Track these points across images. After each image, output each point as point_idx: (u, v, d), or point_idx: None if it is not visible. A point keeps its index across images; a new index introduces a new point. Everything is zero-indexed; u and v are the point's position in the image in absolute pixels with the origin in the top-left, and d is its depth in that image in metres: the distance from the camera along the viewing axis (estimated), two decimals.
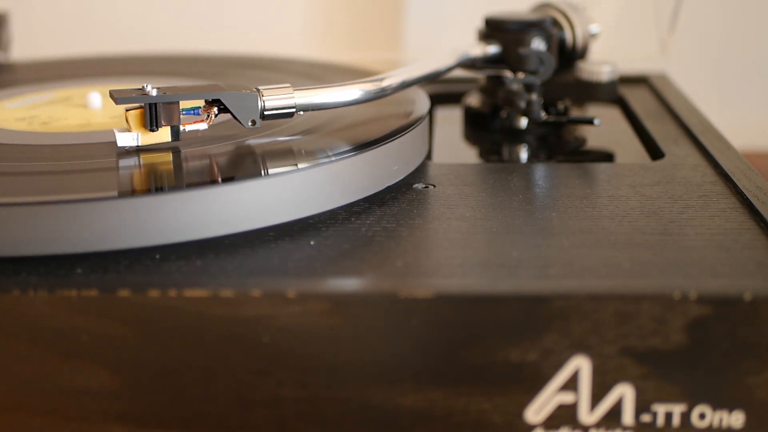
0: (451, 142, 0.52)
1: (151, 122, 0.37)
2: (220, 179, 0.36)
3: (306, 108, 0.39)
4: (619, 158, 0.48)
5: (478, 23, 0.51)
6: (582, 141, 0.51)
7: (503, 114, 0.50)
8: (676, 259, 0.33)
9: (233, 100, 0.38)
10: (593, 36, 0.51)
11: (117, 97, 0.37)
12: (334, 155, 0.38)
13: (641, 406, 0.32)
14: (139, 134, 0.38)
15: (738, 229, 0.36)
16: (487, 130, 0.51)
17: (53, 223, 0.33)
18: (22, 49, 0.67)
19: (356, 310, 0.31)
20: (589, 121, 0.47)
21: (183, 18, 0.76)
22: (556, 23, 0.50)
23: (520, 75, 0.48)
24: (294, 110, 0.39)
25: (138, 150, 0.38)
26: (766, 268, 0.33)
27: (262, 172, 0.36)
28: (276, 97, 0.39)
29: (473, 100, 0.53)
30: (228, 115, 0.39)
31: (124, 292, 0.31)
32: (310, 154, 0.38)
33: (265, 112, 0.39)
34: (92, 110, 0.46)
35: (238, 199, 0.35)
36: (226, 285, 0.31)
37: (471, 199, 0.39)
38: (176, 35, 0.75)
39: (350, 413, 0.32)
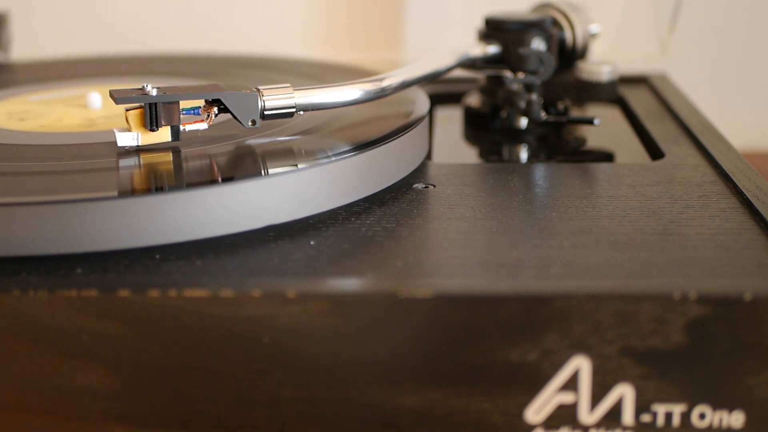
0: (451, 142, 0.52)
1: (151, 122, 0.37)
2: (220, 179, 0.36)
3: (306, 108, 0.39)
4: (619, 158, 0.48)
5: (478, 23, 0.51)
6: (582, 141, 0.51)
7: (503, 114, 0.50)
8: (676, 259, 0.33)
9: (233, 100, 0.38)
10: (593, 36, 0.51)
11: (117, 97, 0.37)
12: (334, 155, 0.38)
13: (641, 406, 0.32)
14: (139, 134, 0.38)
15: (738, 229, 0.36)
16: (487, 130, 0.51)
17: (53, 223, 0.33)
18: (22, 49, 0.67)
19: (356, 310, 0.31)
20: (589, 121, 0.47)
21: (183, 18, 0.76)
22: (556, 23, 0.50)
23: (520, 75, 0.48)
24: (294, 110, 0.39)
25: (138, 150, 0.38)
26: (766, 268, 0.33)
27: (262, 172, 0.36)
28: (276, 97, 0.39)
29: (473, 100, 0.53)
30: (228, 115, 0.39)
31: (124, 292, 0.31)
32: (310, 154, 0.38)
33: (265, 112, 0.39)
34: (92, 110, 0.46)
35: (238, 199, 0.35)
36: (226, 285, 0.31)
37: (471, 199, 0.39)
38: (176, 35, 0.75)
39: (350, 413, 0.32)
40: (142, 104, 0.37)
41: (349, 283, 0.32)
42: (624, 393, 0.32)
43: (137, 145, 0.38)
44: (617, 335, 0.31)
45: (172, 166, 0.37)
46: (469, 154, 0.50)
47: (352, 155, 0.38)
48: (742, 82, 0.75)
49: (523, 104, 0.47)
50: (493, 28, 0.50)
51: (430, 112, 0.49)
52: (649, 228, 0.36)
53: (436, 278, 0.32)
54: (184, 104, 0.38)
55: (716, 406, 0.32)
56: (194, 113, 0.39)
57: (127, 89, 0.38)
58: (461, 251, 0.34)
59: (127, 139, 0.38)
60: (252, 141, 0.40)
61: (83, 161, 0.38)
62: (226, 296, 0.31)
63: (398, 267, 0.33)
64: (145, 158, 0.38)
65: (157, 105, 0.37)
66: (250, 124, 0.39)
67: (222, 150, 0.39)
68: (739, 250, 0.34)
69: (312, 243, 0.35)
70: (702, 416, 0.32)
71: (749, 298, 0.31)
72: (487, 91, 0.51)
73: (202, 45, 0.69)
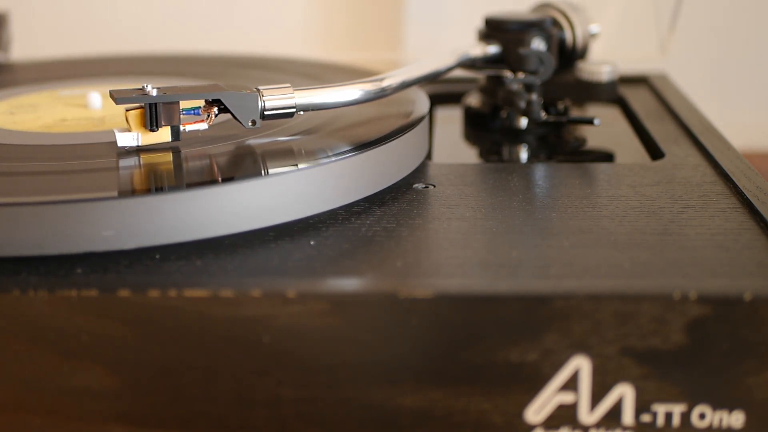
0: (451, 142, 0.52)
1: (152, 122, 0.37)
2: (220, 179, 0.36)
3: (306, 108, 0.39)
4: (619, 158, 0.48)
5: (478, 23, 0.51)
6: (582, 141, 0.51)
7: (503, 114, 0.50)
8: (676, 259, 0.33)
9: (233, 100, 0.38)
10: (593, 36, 0.51)
11: (117, 97, 0.37)
12: (334, 155, 0.38)
13: (641, 406, 0.32)
14: (139, 134, 0.38)
15: (738, 229, 0.36)
16: (487, 130, 0.51)
17: (53, 223, 0.33)
18: (22, 49, 0.67)
19: (356, 310, 0.31)
20: (589, 121, 0.47)
21: (183, 18, 0.76)
22: (556, 23, 0.50)
23: (520, 75, 0.48)
24: (294, 110, 0.39)
25: (138, 150, 0.38)
26: (766, 268, 0.33)
27: (262, 172, 0.36)
28: (276, 97, 0.39)
29: (473, 100, 0.53)
30: (228, 115, 0.39)
31: (124, 292, 0.31)
32: (310, 154, 0.38)
33: (265, 112, 0.39)
34: (92, 110, 0.46)
35: (238, 199, 0.35)
36: (226, 285, 0.31)
37: (471, 199, 0.39)
38: (176, 35, 0.75)
39: (350, 413, 0.32)
40: (142, 104, 0.37)
41: (349, 283, 0.32)
42: (624, 393, 0.32)
43: (137, 145, 0.38)
44: (617, 335, 0.31)
45: (172, 166, 0.37)
46: (469, 154, 0.50)
47: (352, 155, 0.38)
48: (742, 82, 0.75)
49: (523, 104, 0.47)
50: (493, 28, 0.50)
51: (430, 112, 0.49)
52: (649, 228, 0.36)
53: (436, 278, 0.32)
54: (184, 104, 0.38)
55: (716, 406, 0.32)
56: (194, 113, 0.39)
57: (127, 89, 0.38)
58: (461, 251, 0.34)
59: (127, 139, 0.38)
60: (252, 141, 0.40)
61: (83, 161, 0.38)
62: (226, 296, 0.31)
63: (398, 267, 0.33)
64: (145, 158, 0.38)
65: (157, 105, 0.37)
66: (250, 124, 0.39)
67: (222, 150, 0.39)
68: (739, 250, 0.34)
69: (312, 243, 0.35)
70: (702, 416, 0.32)
71: (749, 298, 0.31)
72: (487, 91, 0.51)
73: (202, 45, 0.69)
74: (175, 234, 0.34)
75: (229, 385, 0.32)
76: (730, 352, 0.31)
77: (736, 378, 0.31)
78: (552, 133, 0.51)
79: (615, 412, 0.32)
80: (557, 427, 0.32)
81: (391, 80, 0.42)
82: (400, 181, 0.41)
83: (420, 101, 0.46)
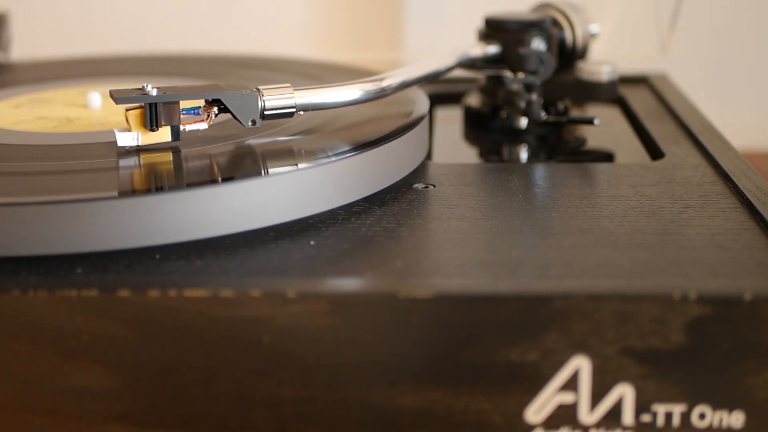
0: (451, 142, 0.52)
1: (152, 122, 0.37)
2: (220, 179, 0.36)
3: (306, 108, 0.39)
4: (619, 158, 0.48)
5: (478, 23, 0.51)
6: (582, 141, 0.51)
7: (503, 114, 0.50)
8: (676, 259, 0.33)
9: (233, 100, 0.38)
10: (593, 36, 0.51)
11: (117, 97, 0.37)
12: (334, 155, 0.38)
13: (641, 406, 0.32)
14: (139, 134, 0.38)
15: (738, 229, 0.36)
16: (487, 130, 0.51)
17: (53, 223, 0.33)
18: (22, 49, 0.67)
19: (356, 310, 0.31)
20: (589, 121, 0.47)
21: (183, 18, 0.76)
22: (556, 23, 0.50)
23: (520, 75, 0.48)
24: (294, 110, 0.39)
25: (138, 150, 0.38)
26: (766, 268, 0.33)
27: (262, 171, 0.36)
28: (276, 97, 0.39)
29: (473, 100, 0.53)
30: (228, 115, 0.39)
31: (124, 292, 0.31)
32: (310, 154, 0.38)
33: (265, 112, 0.39)
34: (92, 110, 0.46)
35: (238, 199, 0.35)
36: (226, 285, 0.31)
37: (471, 199, 0.39)
38: (176, 35, 0.75)
39: (350, 413, 0.32)
40: (142, 104, 0.37)
41: (349, 283, 0.32)
42: (624, 393, 0.32)
43: (137, 145, 0.38)
44: (617, 335, 0.31)
45: (172, 166, 0.37)
46: (469, 154, 0.50)
47: (352, 155, 0.38)
48: (742, 82, 0.75)
49: (523, 104, 0.47)
50: (493, 28, 0.50)
51: (430, 112, 0.49)
52: (649, 228, 0.36)
53: (436, 278, 0.32)
54: (184, 104, 0.38)
55: (716, 406, 0.32)
56: (194, 113, 0.39)
57: (127, 89, 0.38)
58: (461, 251, 0.34)
59: (127, 139, 0.38)
60: (252, 141, 0.40)
61: (83, 161, 0.38)
62: (226, 296, 0.31)
63: (398, 267, 0.33)
64: (145, 158, 0.38)
65: (157, 105, 0.37)
66: (250, 124, 0.39)
67: (222, 150, 0.39)
68: (739, 250, 0.34)
69: (312, 243, 0.35)
70: (702, 416, 0.32)
71: (749, 298, 0.31)
72: (487, 91, 0.51)
73: (202, 45, 0.69)
74: (175, 234, 0.34)
75: (229, 385, 0.32)
76: (730, 352, 0.31)
77: (736, 378, 0.31)
78: (552, 133, 0.51)
79: (615, 412, 0.32)
80: (557, 427, 0.32)
81: (391, 80, 0.42)
82: (400, 181, 0.41)
83: (420, 101, 0.46)
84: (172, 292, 0.31)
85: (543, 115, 0.47)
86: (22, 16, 0.71)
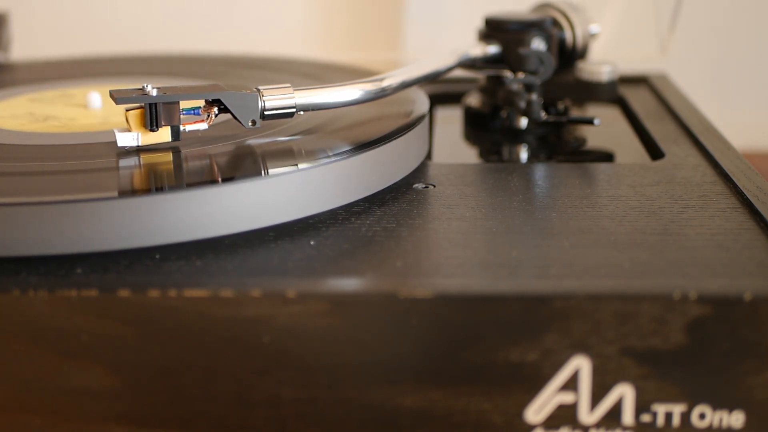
0: (451, 142, 0.52)
1: (152, 122, 0.37)
2: (220, 179, 0.36)
3: (306, 108, 0.39)
4: (619, 158, 0.48)
5: (478, 23, 0.51)
6: (582, 141, 0.51)
7: (503, 114, 0.50)
8: (676, 259, 0.33)
9: (233, 100, 0.38)
10: (593, 36, 0.51)
11: (117, 97, 0.37)
12: (334, 155, 0.38)
13: (641, 406, 0.32)
14: (140, 134, 0.38)
15: (738, 229, 0.36)
16: (487, 130, 0.51)
17: (53, 223, 0.33)
18: (22, 49, 0.67)
19: (356, 310, 0.31)
20: (589, 121, 0.47)
21: (183, 18, 0.76)
22: (556, 23, 0.50)
23: (520, 75, 0.48)
24: (294, 110, 0.39)
25: (138, 150, 0.38)
26: (766, 268, 0.33)
27: (262, 172, 0.36)
28: (276, 97, 0.39)
29: (473, 100, 0.53)
30: (228, 115, 0.39)
31: (124, 292, 0.31)
32: (310, 154, 0.38)
33: (266, 112, 0.39)
34: (92, 110, 0.46)
35: (238, 199, 0.35)
36: (226, 285, 0.31)
37: (471, 199, 0.39)
38: (176, 35, 0.75)
39: (350, 413, 0.32)
40: (142, 104, 0.37)
41: (349, 283, 0.32)
42: (624, 393, 0.32)
43: (137, 145, 0.38)
44: (617, 335, 0.31)
45: (172, 166, 0.37)
46: (469, 154, 0.50)
47: (352, 155, 0.38)
48: (742, 82, 0.75)
49: (523, 104, 0.47)
50: (493, 28, 0.50)
51: (430, 112, 0.49)
52: (649, 228, 0.36)
53: (436, 278, 0.32)
54: (184, 104, 0.38)
55: (716, 406, 0.32)
56: (194, 113, 0.39)
57: (127, 89, 0.38)
58: (461, 251, 0.34)
59: (127, 139, 0.38)
60: (252, 141, 0.40)
61: (83, 161, 0.38)
62: (226, 296, 0.31)
63: (398, 267, 0.33)
64: (145, 158, 0.38)
65: (157, 105, 0.37)
66: (250, 124, 0.39)
67: (222, 150, 0.39)
68: (739, 250, 0.34)
69: (312, 243, 0.35)
70: (702, 416, 0.32)
71: (749, 298, 0.31)
72: (487, 91, 0.51)
73: (202, 45, 0.69)
74: (175, 234, 0.34)
75: (229, 385, 0.32)
76: (730, 352, 0.31)
77: (736, 378, 0.31)
78: (552, 133, 0.51)
79: (615, 412, 0.32)
80: (557, 427, 0.32)
81: (391, 80, 0.42)
82: (400, 181, 0.41)
83: (420, 101, 0.46)
84: (172, 292, 0.31)
85: (543, 115, 0.47)
86: (22, 16, 0.71)
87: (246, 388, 0.32)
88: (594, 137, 0.51)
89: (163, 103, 0.37)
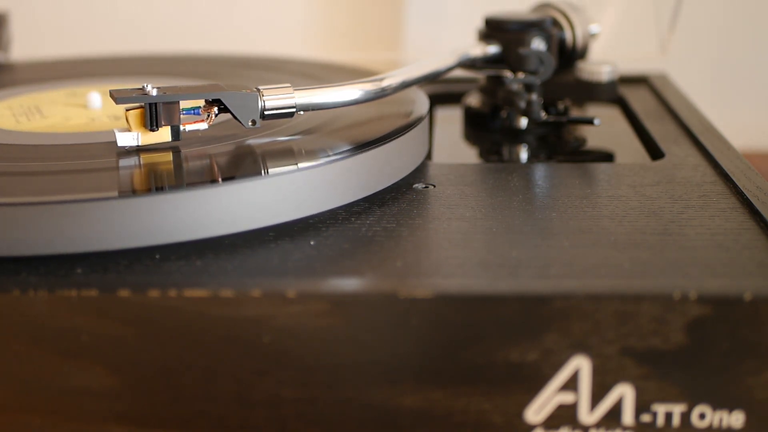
0: (451, 142, 0.52)
1: (152, 122, 0.37)
2: (220, 179, 0.36)
3: (306, 108, 0.39)
4: (619, 158, 0.48)
5: (478, 23, 0.51)
6: (582, 141, 0.51)
7: (503, 114, 0.50)
8: (676, 259, 0.33)
9: (233, 100, 0.38)
10: (593, 36, 0.51)
11: (117, 97, 0.37)
12: (334, 155, 0.38)
13: (641, 406, 0.32)
14: (140, 134, 0.38)
15: (738, 229, 0.36)
16: (487, 130, 0.51)
17: (53, 223, 0.33)
18: (22, 49, 0.67)
19: (356, 310, 0.31)
20: (589, 121, 0.47)
21: (183, 18, 0.76)
22: (556, 23, 0.50)
23: (520, 75, 0.48)
24: (294, 110, 0.39)
25: (138, 150, 0.38)
26: (766, 268, 0.33)
27: (262, 171, 0.36)
28: (276, 97, 0.39)
29: (473, 100, 0.53)
30: (228, 115, 0.39)
31: (124, 292, 0.31)
32: (310, 154, 0.38)
33: (266, 112, 0.39)
34: (92, 110, 0.46)
35: (238, 198, 0.35)
36: (226, 285, 0.31)
37: (471, 199, 0.39)
38: (176, 35, 0.75)
39: (350, 413, 0.32)
40: (142, 104, 0.37)
41: (349, 283, 0.32)
42: (624, 393, 0.32)
43: (137, 145, 0.38)
44: (617, 335, 0.31)
45: (172, 166, 0.37)
46: (469, 154, 0.50)
47: (352, 155, 0.38)
48: (742, 82, 0.75)
49: (523, 104, 0.47)
50: (493, 28, 0.50)
51: (430, 112, 0.49)
52: (649, 228, 0.36)
53: (436, 278, 0.32)
54: (184, 104, 0.38)
55: (716, 406, 0.32)
56: (194, 113, 0.39)
57: (127, 89, 0.38)
58: (461, 251, 0.34)
59: (127, 139, 0.38)
60: (252, 141, 0.40)
61: (83, 161, 0.38)
62: (226, 296, 0.31)
63: (398, 267, 0.33)
64: (145, 158, 0.38)
65: (157, 105, 0.37)
66: (250, 124, 0.39)
67: (222, 150, 0.39)
68: (739, 250, 0.34)
69: (312, 243, 0.35)
70: (702, 416, 0.32)
71: (749, 298, 0.31)
72: (487, 91, 0.51)
73: (202, 45, 0.69)
74: (175, 234, 0.34)
75: (229, 385, 0.32)
76: (730, 352, 0.31)
77: (736, 378, 0.31)
78: (552, 133, 0.51)
79: (615, 412, 0.32)
80: (557, 427, 0.32)
81: (391, 80, 0.42)
82: (400, 181, 0.41)
83: (420, 101, 0.46)
84: (172, 292, 0.31)
85: (543, 115, 0.47)
86: (22, 16, 0.71)
87: (246, 388, 0.32)
88: (594, 137, 0.51)
89: (163, 103, 0.37)
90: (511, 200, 0.39)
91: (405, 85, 0.43)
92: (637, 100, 0.57)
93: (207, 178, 0.36)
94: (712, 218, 0.37)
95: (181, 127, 0.38)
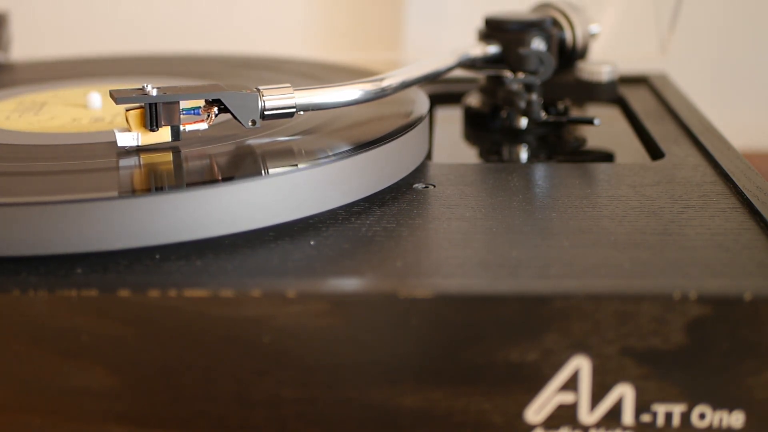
0: (451, 142, 0.52)
1: (152, 122, 0.37)
2: (220, 179, 0.36)
3: (306, 108, 0.39)
4: (619, 158, 0.48)
5: (478, 23, 0.51)
6: (582, 141, 0.51)
7: (503, 114, 0.50)
8: (676, 259, 0.33)
9: (233, 100, 0.38)
10: (593, 36, 0.51)
11: (117, 97, 0.37)
12: (334, 155, 0.38)
13: (641, 406, 0.32)
14: (140, 134, 0.38)
15: (738, 229, 0.36)
16: (487, 130, 0.51)
17: (53, 223, 0.33)
18: (22, 49, 0.67)
19: (356, 310, 0.31)
20: (589, 121, 0.47)
21: (183, 18, 0.76)
22: (556, 23, 0.50)
23: (520, 75, 0.48)
24: (294, 110, 0.39)
25: (138, 150, 0.38)
26: (766, 268, 0.33)
27: (262, 171, 0.36)
28: (276, 97, 0.39)
29: (473, 100, 0.53)
30: (228, 115, 0.39)
31: (124, 292, 0.31)
32: (310, 154, 0.38)
33: (266, 112, 0.39)
34: (92, 110, 0.46)
35: (238, 198, 0.35)
36: (226, 285, 0.31)
37: (471, 199, 0.39)
38: (176, 35, 0.75)
39: (350, 413, 0.32)
40: (142, 104, 0.37)
41: (349, 283, 0.32)
42: (624, 393, 0.32)
43: (137, 145, 0.38)
44: (617, 335, 0.31)
45: (172, 166, 0.37)
46: (469, 154, 0.50)
47: (352, 155, 0.38)
48: (742, 82, 0.75)
49: (523, 104, 0.47)
50: (493, 28, 0.50)
51: (430, 112, 0.49)
52: (649, 228, 0.36)
53: (436, 278, 0.32)
54: (184, 104, 0.38)
55: (716, 406, 0.32)
56: (194, 113, 0.39)
57: (127, 89, 0.38)
58: (461, 251, 0.34)
59: (127, 139, 0.38)
60: (252, 141, 0.40)
61: (83, 161, 0.38)
62: (226, 296, 0.31)
63: (398, 267, 0.33)
64: (145, 158, 0.38)
65: (157, 105, 0.37)
66: (250, 124, 0.39)
67: (222, 150, 0.39)
68: (739, 250, 0.34)
69: (312, 243, 0.35)
70: (702, 416, 0.32)
71: (749, 298, 0.31)
72: (487, 91, 0.51)
73: (202, 45, 0.69)
74: (175, 234, 0.34)
75: (229, 385, 0.32)
76: (730, 352, 0.31)
77: (736, 378, 0.31)
78: (552, 133, 0.51)
79: (615, 412, 0.32)
80: (557, 427, 0.32)
81: (391, 80, 0.42)
82: (400, 181, 0.41)
83: (420, 101, 0.46)
84: (172, 292, 0.31)
85: (543, 115, 0.47)
86: (22, 16, 0.71)
87: (246, 388, 0.32)
88: (594, 137, 0.51)
89: (163, 103, 0.37)
90: (511, 200, 0.39)
91: (405, 85, 0.43)
92: (637, 100, 0.57)
93: (207, 178, 0.36)
94: (712, 218, 0.37)
95: (181, 127, 0.38)
